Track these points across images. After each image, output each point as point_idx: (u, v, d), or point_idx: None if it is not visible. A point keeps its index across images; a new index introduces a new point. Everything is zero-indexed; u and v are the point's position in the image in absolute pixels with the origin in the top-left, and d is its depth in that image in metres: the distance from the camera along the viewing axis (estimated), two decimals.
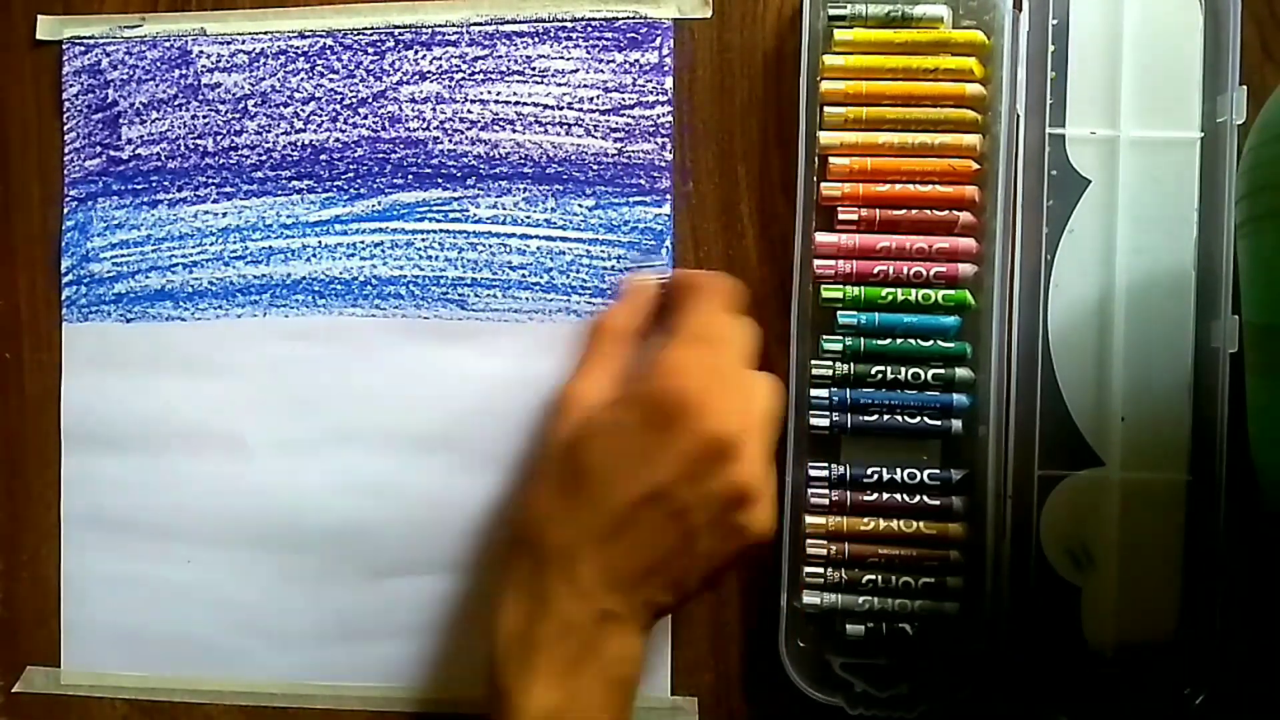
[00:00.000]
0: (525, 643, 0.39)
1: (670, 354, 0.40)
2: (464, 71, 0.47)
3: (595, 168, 0.46)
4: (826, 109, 0.43)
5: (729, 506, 0.39)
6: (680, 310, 0.42)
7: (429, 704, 0.47)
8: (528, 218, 0.46)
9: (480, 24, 0.46)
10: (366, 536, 0.47)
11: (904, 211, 0.43)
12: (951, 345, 0.43)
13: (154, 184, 0.48)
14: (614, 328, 0.44)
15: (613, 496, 0.39)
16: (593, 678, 0.38)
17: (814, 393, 0.43)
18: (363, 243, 0.47)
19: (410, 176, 0.47)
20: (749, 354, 0.42)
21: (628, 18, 0.46)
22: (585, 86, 0.46)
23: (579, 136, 0.46)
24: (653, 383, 0.40)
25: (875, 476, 0.43)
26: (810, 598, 0.43)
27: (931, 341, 0.43)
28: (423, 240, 0.47)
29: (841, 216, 0.43)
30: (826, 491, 0.44)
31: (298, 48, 0.47)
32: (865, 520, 0.43)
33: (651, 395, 0.39)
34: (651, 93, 0.46)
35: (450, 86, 0.47)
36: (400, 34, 0.47)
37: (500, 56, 0.46)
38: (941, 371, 0.43)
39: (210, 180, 0.48)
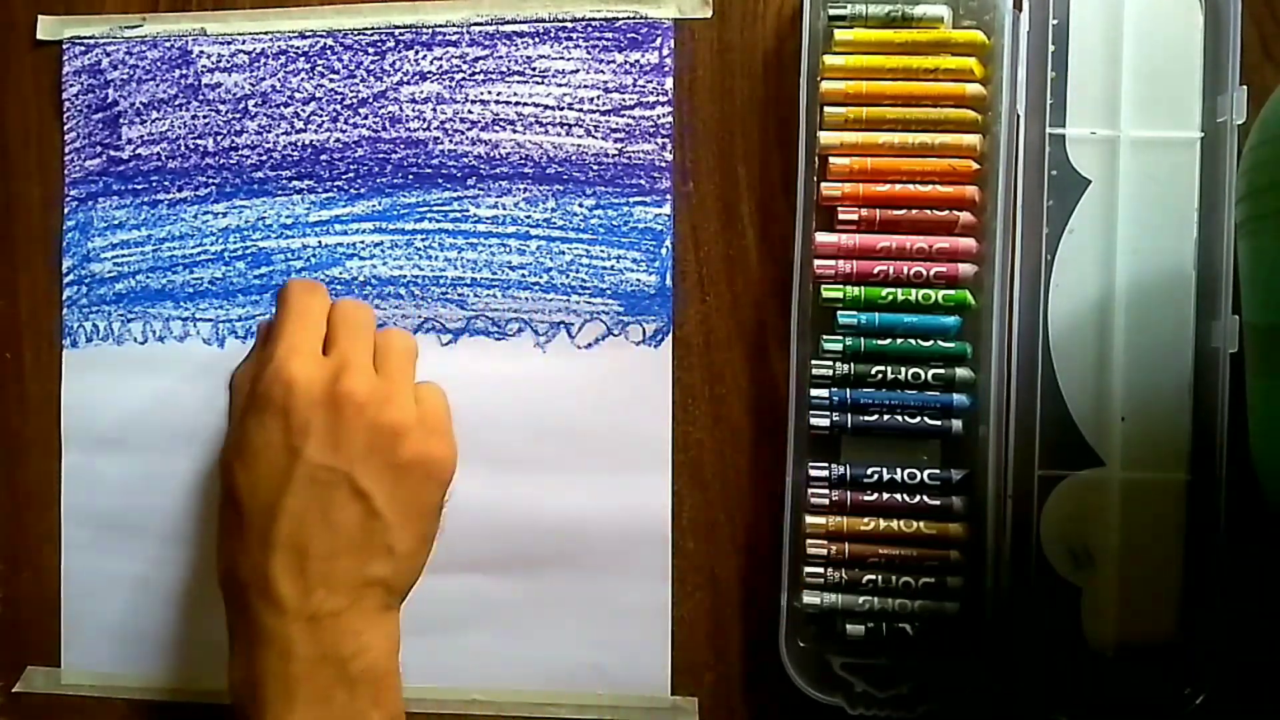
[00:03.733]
0: (251, 685, 0.37)
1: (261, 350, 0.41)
2: (464, 72, 0.47)
3: (595, 168, 0.46)
4: (826, 109, 0.43)
5: (378, 449, 0.38)
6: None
7: (429, 703, 0.47)
8: (528, 218, 0.46)
9: (481, 24, 0.46)
10: None
11: (904, 211, 0.43)
12: (951, 345, 0.43)
13: (154, 184, 0.48)
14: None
15: (261, 499, 0.37)
16: (333, 685, 0.37)
17: (814, 393, 0.43)
18: (363, 243, 0.47)
19: (410, 176, 0.47)
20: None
21: (628, 18, 0.46)
22: (585, 87, 0.46)
23: (579, 137, 0.46)
24: (257, 381, 0.39)
25: (875, 476, 0.43)
26: (810, 598, 0.43)
27: (931, 341, 0.43)
28: (423, 240, 0.47)
29: (841, 216, 0.43)
30: (826, 491, 0.43)
31: (298, 48, 0.47)
32: (865, 520, 0.43)
33: (256, 391, 0.39)
34: (652, 93, 0.46)
35: (451, 87, 0.47)
36: (400, 34, 0.47)
37: (501, 57, 0.46)
38: (941, 371, 0.43)
39: (210, 180, 0.48)
